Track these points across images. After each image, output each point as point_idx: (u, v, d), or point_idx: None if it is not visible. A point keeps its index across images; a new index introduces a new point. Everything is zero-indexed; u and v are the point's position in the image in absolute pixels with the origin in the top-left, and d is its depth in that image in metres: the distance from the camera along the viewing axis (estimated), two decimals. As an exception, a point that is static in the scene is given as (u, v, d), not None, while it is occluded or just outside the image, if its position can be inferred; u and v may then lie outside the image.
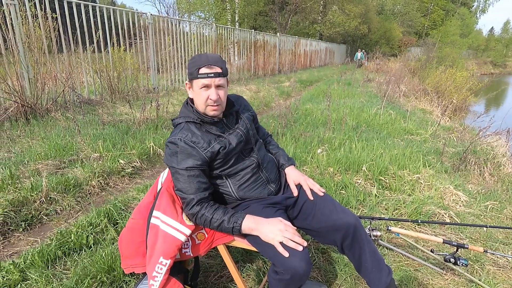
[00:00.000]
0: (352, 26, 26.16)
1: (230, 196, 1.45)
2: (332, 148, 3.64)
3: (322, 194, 1.45)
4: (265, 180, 1.46)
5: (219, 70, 1.29)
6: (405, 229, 2.02)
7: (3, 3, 4.17)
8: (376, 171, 2.96)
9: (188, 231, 1.29)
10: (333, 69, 19.16)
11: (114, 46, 5.90)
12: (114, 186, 2.87)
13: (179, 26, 7.79)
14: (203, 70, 1.27)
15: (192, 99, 1.39)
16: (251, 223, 1.26)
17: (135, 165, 3.21)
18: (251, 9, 21.01)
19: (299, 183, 1.50)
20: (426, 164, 3.26)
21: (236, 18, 20.64)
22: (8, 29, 4.18)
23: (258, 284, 1.70)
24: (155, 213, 1.33)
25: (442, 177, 3.13)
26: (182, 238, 1.28)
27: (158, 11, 33.44)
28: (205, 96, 1.30)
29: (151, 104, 4.72)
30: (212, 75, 1.27)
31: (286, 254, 1.18)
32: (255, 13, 22.72)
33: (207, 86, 1.29)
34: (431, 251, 1.81)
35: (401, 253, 1.94)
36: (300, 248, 1.19)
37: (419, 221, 1.92)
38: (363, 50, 22.46)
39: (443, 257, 1.73)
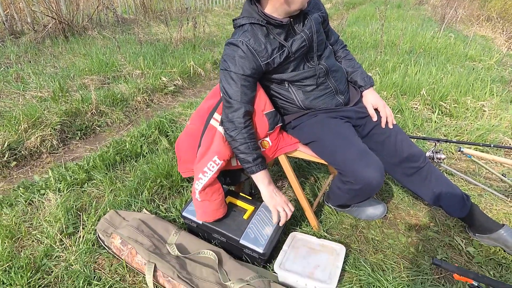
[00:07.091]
0: None
1: (294, 105, 1.34)
2: (384, 71, 3.33)
3: (391, 127, 1.37)
4: (333, 90, 1.32)
5: None
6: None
7: None
8: (436, 95, 2.69)
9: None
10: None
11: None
12: (158, 103, 2.86)
13: None
14: None
15: None
16: (264, 179, 1.24)
17: (177, 83, 3.14)
18: None
19: (376, 108, 1.38)
20: (494, 91, 2.91)
21: None
22: None
23: (313, 198, 1.69)
24: (215, 115, 1.26)
25: (509, 107, 2.81)
26: None
27: None
28: None
29: (188, 23, 4.46)
30: None
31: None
32: None
33: None
34: (503, 175, 1.67)
35: (462, 178, 1.82)
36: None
37: (492, 145, 1.74)
38: None
39: (517, 182, 1.59)
